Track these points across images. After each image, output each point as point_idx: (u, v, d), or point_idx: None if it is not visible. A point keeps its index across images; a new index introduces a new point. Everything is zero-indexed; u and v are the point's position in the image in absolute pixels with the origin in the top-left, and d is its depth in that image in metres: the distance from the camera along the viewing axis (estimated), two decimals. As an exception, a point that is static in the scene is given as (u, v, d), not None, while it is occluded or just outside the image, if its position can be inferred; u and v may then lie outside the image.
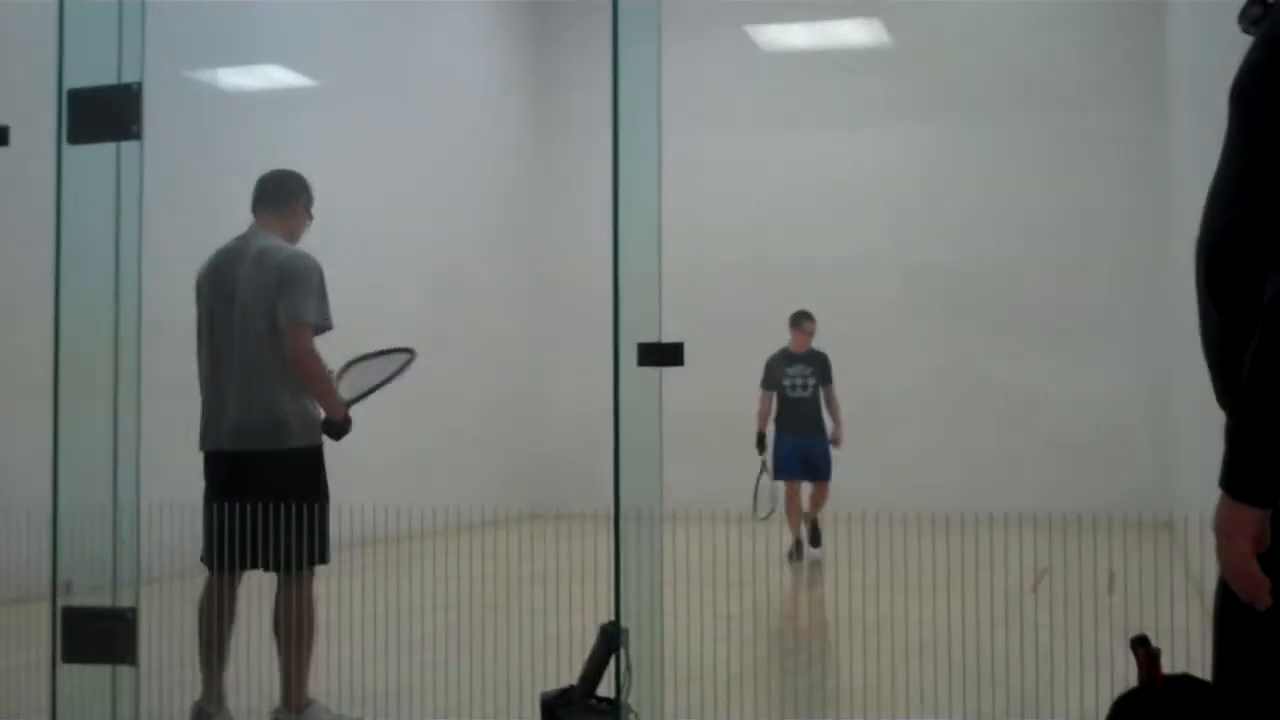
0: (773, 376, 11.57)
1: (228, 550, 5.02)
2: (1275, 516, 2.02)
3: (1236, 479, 2.00)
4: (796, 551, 10.96)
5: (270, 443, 5.15)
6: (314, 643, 5.12)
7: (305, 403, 5.24)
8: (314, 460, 5.26)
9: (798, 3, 15.18)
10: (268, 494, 5.02)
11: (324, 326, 5.33)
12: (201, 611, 5.05)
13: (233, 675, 5.14)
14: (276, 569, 5.05)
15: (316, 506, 5.11)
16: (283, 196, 5.64)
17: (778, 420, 11.46)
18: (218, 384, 5.28)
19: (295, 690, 5.05)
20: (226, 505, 5.02)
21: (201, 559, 5.17)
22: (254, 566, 5.08)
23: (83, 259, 4.15)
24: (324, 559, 5.15)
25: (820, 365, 11.46)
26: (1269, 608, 2.01)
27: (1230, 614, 2.14)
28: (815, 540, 11.24)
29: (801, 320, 11.66)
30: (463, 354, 14.22)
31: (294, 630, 5.02)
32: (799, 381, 11.44)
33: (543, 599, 5.94)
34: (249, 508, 4.96)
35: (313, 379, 5.21)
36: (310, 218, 5.84)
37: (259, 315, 5.22)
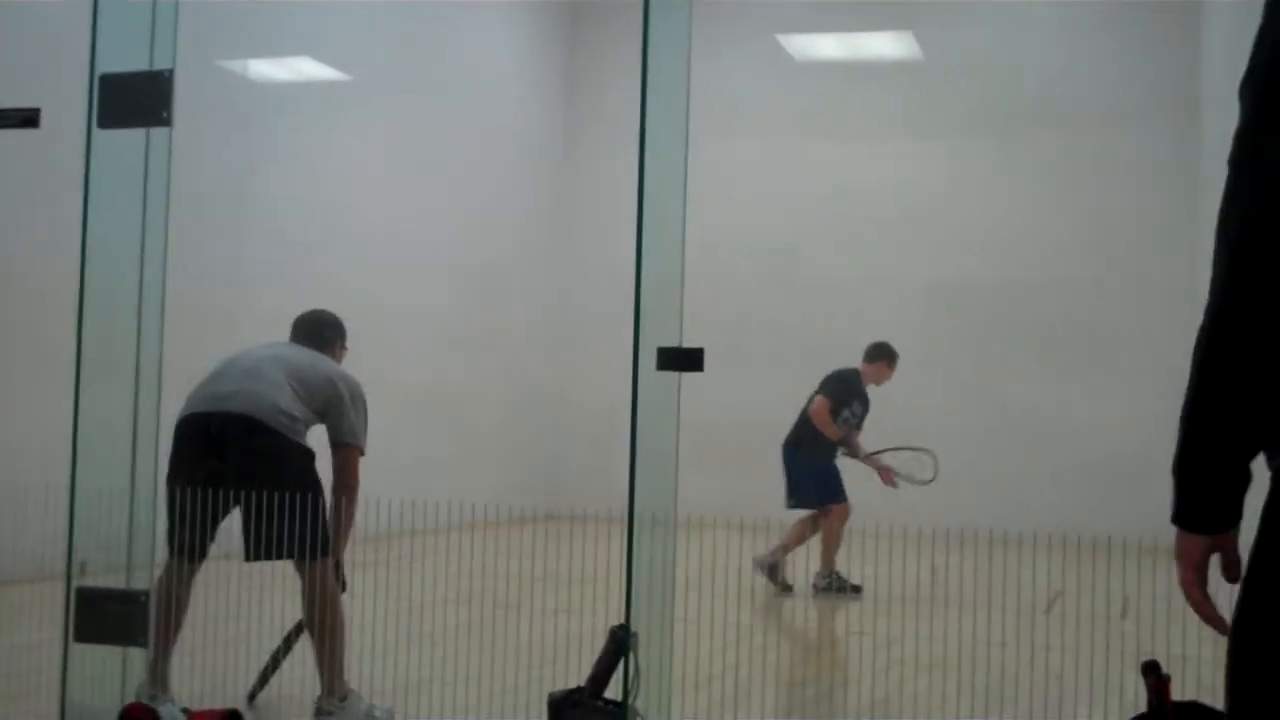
0: (845, 397, 10.27)
1: (194, 534, 5.02)
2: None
3: (1176, 507, 2.07)
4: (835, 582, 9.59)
5: (271, 420, 5.14)
6: (343, 631, 5.16)
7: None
8: (310, 458, 5.27)
9: (830, 13, 15.17)
10: (261, 465, 5.05)
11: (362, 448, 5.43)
12: (157, 597, 4.78)
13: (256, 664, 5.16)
14: (292, 556, 5.05)
15: (320, 499, 5.15)
16: (320, 344, 5.61)
17: (815, 440, 10.12)
18: (224, 379, 5.30)
19: (334, 679, 5.09)
20: (204, 491, 4.98)
21: (169, 543, 5.09)
22: (272, 556, 5.06)
23: (109, 243, 4.18)
24: (328, 551, 5.16)
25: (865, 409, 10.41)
26: None
27: (1243, 645, 2.14)
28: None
29: (894, 359, 10.54)
30: (484, 353, 14.25)
31: (323, 621, 5.05)
32: (853, 420, 10.33)
33: (554, 599, 5.95)
34: (263, 497, 4.94)
35: (354, 496, 5.30)
36: (345, 351, 5.79)
37: (321, 386, 5.30)
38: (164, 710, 4.03)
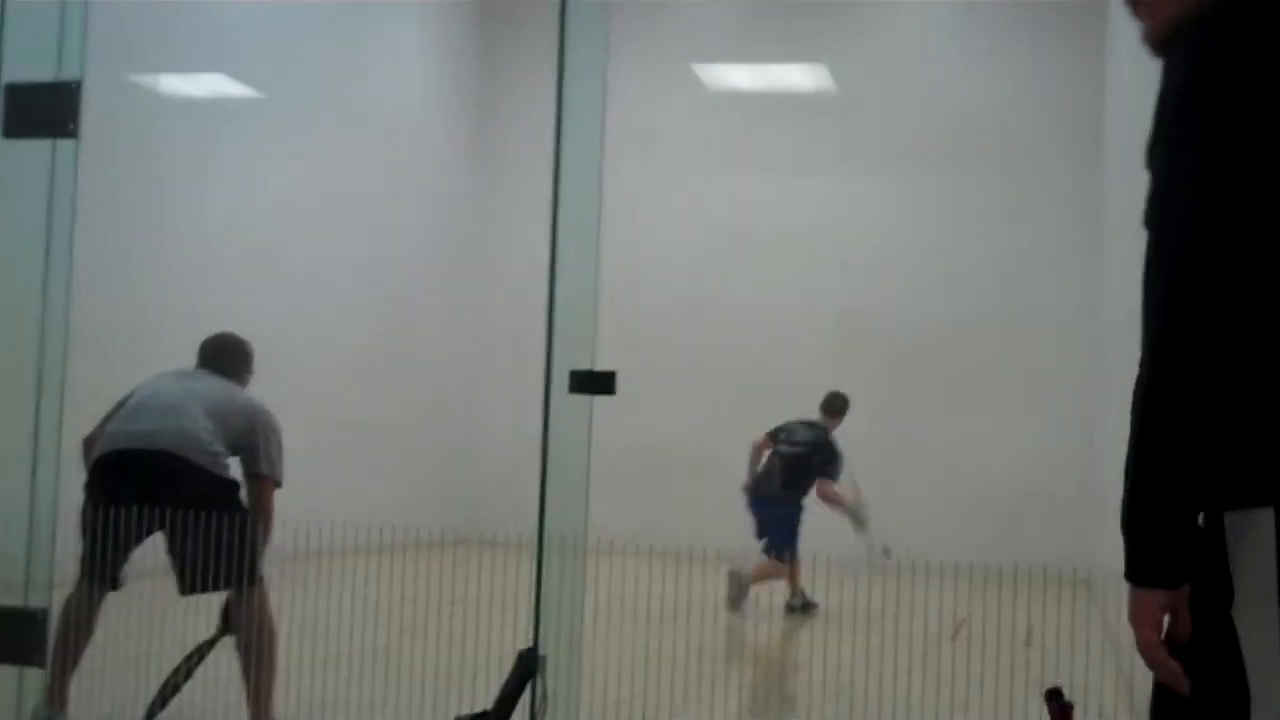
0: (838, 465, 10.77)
1: (110, 561, 5.02)
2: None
3: (1131, 564, 2.04)
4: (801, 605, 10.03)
5: (196, 456, 5.16)
6: (276, 659, 5.14)
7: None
8: (236, 489, 5.31)
9: (744, 43, 15.30)
10: (189, 501, 5.03)
11: (279, 480, 5.45)
12: (65, 617, 4.94)
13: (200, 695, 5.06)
14: (229, 587, 5.08)
15: (249, 527, 5.14)
16: (230, 371, 5.62)
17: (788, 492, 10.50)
18: (144, 411, 5.30)
19: (263, 705, 5.07)
20: (124, 524, 4.99)
21: (83, 570, 5.08)
22: (209, 589, 5.07)
23: (11, 257, 4.10)
24: (259, 578, 5.18)
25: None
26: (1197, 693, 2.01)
27: (1163, 702, 2.13)
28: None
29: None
30: (395, 375, 14.15)
31: (260, 647, 5.06)
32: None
33: (462, 624, 5.91)
34: (186, 526, 4.98)
35: (270, 526, 5.32)
36: (251, 375, 5.78)
37: (236, 418, 5.32)
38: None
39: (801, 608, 9.92)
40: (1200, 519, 2.06)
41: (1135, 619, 2.03)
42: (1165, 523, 2.00)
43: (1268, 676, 1.96)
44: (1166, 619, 2.05)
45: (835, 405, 10.93)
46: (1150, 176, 2.11)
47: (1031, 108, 14.67)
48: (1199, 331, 1.96)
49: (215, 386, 5.45)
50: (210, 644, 5.23)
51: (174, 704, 5.22)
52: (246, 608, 5.08)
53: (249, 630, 5.05)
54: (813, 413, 10.88)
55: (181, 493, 5.08)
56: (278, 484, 5.37)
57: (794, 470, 10.41)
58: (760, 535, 10.25)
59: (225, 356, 5.63)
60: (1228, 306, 1.95)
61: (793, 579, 10.09)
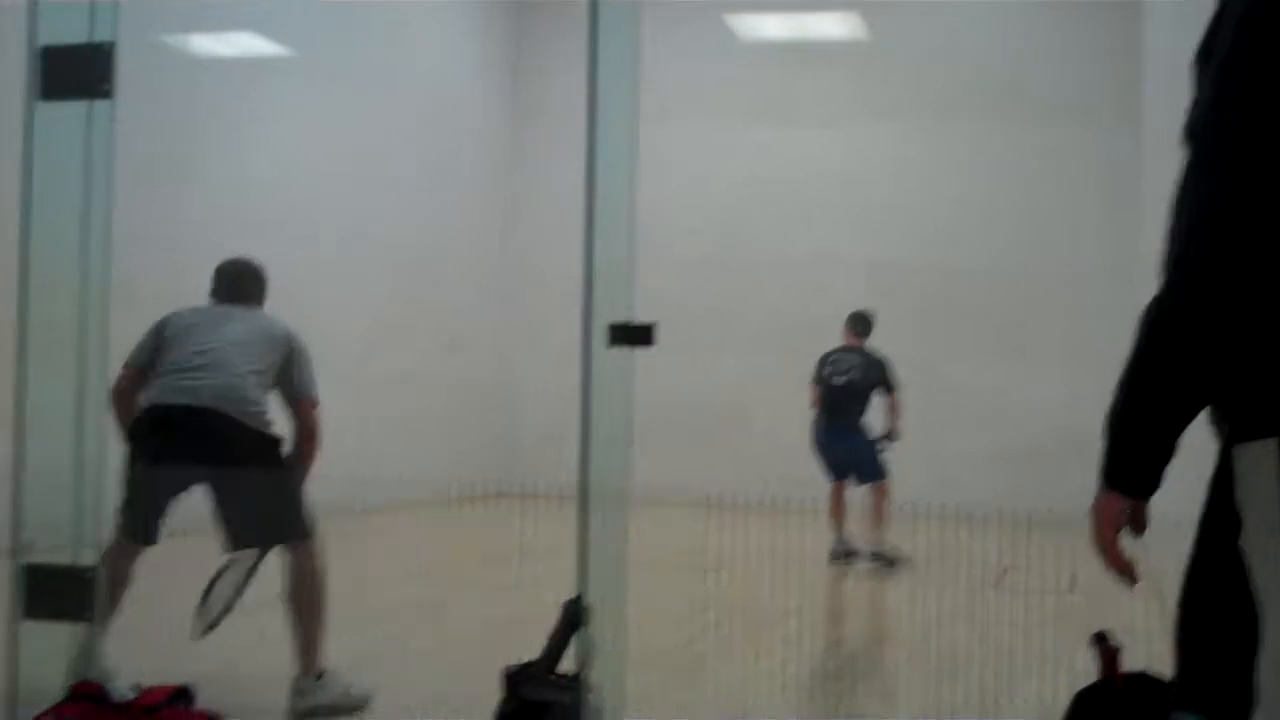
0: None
1: (150, 518, 5.08)
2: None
3: (1106, 465, 2.14)
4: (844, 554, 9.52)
5: (245, 416, 5.18)
6: (325, 611, 5.16)
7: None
8: (280, 444, 5.31)
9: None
10: (237, 459, 5.09)
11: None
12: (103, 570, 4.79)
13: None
14: (283, 542, 5.13)
15: (295, 478, 5.25)
16: (247, 295, 5.65)
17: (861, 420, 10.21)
18: (191, 365, 5.26)
19: (312, 658, 5.10)
20: (169, 480, 5.08)
21: (123, 527, 5.10)
22: (263, 545, 5.12)
23: (51, 218, 4.11)
24: (313, 532, 5.20)
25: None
26: (1229, 600, 2.10)
27: (1189, 611, 2.22)
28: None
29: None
30: (434, 333, 14.18)
31: (310, 600, 5.10)
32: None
33: (507, 576, 5.93)
34: (236, 484, 5.06)
35: (315, 447, 5.37)
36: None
37: (269, 350, 5.34)
38: (113, 687, 3.97)
39: (844, 556, 9.42)
40: (1217, 453, 2.14)
41: (1096, 514, 2.16)
42: (1148, 435, 2.09)
43: (1276, 603, 2.01)
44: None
45: (862, 326, 10.60)
46: (1196, 80, 2.08)
47: (1069, 58, 14.51)
48: (1230, 244, 1.95)
49: (249, 326, 5.44)
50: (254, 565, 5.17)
51: (224, 659, 5.26)
52: (297, 560, 5.12)
53: (299, 583, 5.09)
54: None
55: (229, 451, 5.10)
56: (315, 403, 5.41)
57: (856, 395, 10.13)
58: (840, 475, 9.80)
59: (247, 283, 5.66)
60: (1265, 229, 1.94)
61: (840, 522, 9.59)
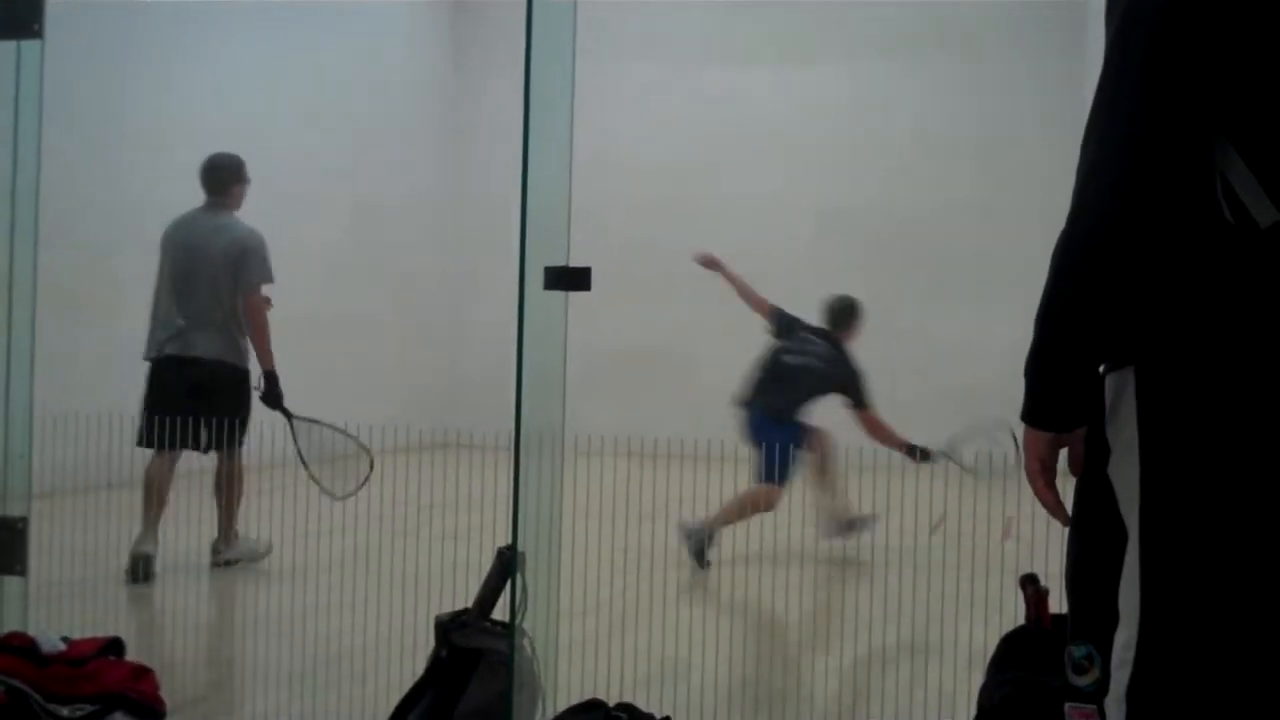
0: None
1: (168, 435, 6.54)
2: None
3: (1026, 405, 2.21)
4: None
5: (219, 355, 6.99)
6: (241, 499, 6.90)
7: (243, 342, 7.12)
8: (247, 376, 7.06)
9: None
10: (211, 392, 6.83)
11: (267, 280, 7.21)
12: (150, 475, 6.69)
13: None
14: (218, 448, 6.76)
15: (241, 404, 6.94)
16: (224, 192, 7.46)
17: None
18: (177, 314, 7.00)
19: (227, 529, 6.92)
20: (172, 403, 6.67)
21: (141, 443, 6.60)
22: (199, 448, 6.64)
23: (-21, 160, 4.05)
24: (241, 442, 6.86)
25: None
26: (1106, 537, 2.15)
27: (1072, 543, 2.27)
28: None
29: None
30: (370, 279, 14.07)
31: (228, 491, 6.88)
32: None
33: (443, 525, 5.94)
34: (199, 406, 6.67)
35: (259, 326, 7.10)
36: (248, 181, 7.66)
37: (222, 272, 7.05)
38: (41, 637, 3.95)
39: (848, 527, 7.88)
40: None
41: (1025, 449, 2.23)
42: (1064, 371, 2.15)
43: (1133, 522, 2.09)
44: (1063, 454, 2.24)
45: (844, 316, 9.04)
46: (1106, 19, 2.19)
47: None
48: (1135, 181, 2.04)
49: (218, 248, 7.12)
50: None
51: (153, 613, 5.25)
52: (229, 461, 6.89)
53: (228, 478, 6.89)
54: (803, 313, 9.27)
55: (218, 390, 6.86)
56: (270, 281, 7.16)
57: (801, 386, 8.56)
58: (784, 474, 7.93)
59: (217, 177, 7.46)
60: (1158, 171, 2.03)
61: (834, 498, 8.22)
